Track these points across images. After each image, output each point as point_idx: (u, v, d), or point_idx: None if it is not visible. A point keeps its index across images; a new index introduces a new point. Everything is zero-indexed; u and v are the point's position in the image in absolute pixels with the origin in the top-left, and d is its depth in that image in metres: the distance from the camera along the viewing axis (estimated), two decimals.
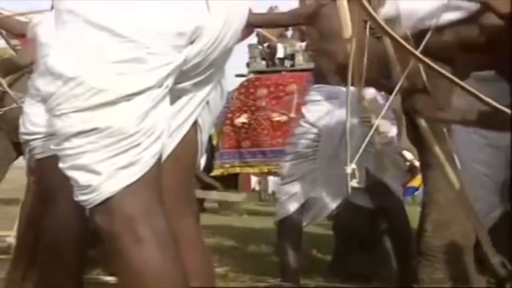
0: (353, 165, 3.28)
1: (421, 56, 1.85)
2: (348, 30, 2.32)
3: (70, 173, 1.35)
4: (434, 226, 3.20)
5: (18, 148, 5.48)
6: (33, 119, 2.03)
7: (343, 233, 4.12)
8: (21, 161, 5.18)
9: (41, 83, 1.36)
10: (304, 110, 3.65)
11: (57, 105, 1.33)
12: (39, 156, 2.02)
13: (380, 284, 3.76)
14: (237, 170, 8.40)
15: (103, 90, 1.31)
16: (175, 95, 1.45)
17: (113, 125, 1.32)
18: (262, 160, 8.25)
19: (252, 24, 3.38)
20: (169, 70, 1.37)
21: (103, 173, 1.33)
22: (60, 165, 1.37)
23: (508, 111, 1.82)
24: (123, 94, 1.32)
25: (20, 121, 2.14)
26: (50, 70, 1.33)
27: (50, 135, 1.99)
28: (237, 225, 6.87)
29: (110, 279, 3.27)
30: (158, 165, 1.38)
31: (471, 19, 1.95)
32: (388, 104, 2.44)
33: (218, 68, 1.55)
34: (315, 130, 3.52)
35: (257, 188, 14.88)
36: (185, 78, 1.46)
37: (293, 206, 3.54)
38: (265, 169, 8.32)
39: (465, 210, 2.14)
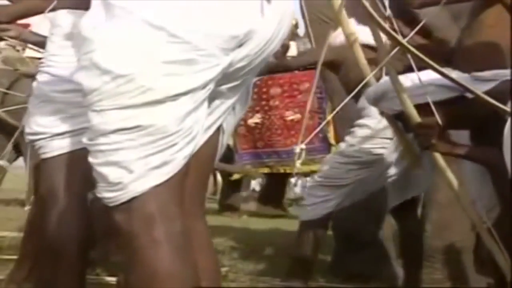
0: (302, 146, 3.26)
1: (410, 47, 1.86)
2: (347, 28, 2.34)
3: (100, 169, 1.34)
4: (434, 227, 3.21)
5: (18, 148, 5.49)
6: (38, 119, 2.03)
7: (343, 233, 4.12)
8: (21, 161, 5.18)
9: (83, 77, 1.34)
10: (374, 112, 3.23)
11: (98, 100, 1.32)
12: (44, 156, 2.02)
13: (380, 284, 3.76)
14: (259, 171, 8.34)
15: (151, 89, 1.30)
16: (210, 96, 1.44)
17: (156, 124, 1.31)
18: (277, 161, 8.20)
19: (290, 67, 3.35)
20: (216, 72, 1.36)
21: (135, 171, 1.32)
22: (91, 160, 1.36)
23: (508, 109, 1.83)
24: (169, 94, 1.31)
25: (25, 121, 2.14)
26: (97, 65, 1.31)
27: (56, 135, 2.00)
28: (237, 226, 6.87)
29: (111, 279, 3.27)
30: (186, 166, 1.38)
31: None
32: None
33: (254, 73, 1.53)
34: (387, 134, 3.16)
35: (257, 188, 14.86)
36: (225, 81, 1.44)
37: (324, 211, 3.33)
38: (281, 170, 8.28)
39: (466, 211, 2.15)
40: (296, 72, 8.70)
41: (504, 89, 2.09)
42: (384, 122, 2.99)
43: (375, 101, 2.52)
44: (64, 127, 1.98)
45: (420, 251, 3.26)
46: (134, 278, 1.35)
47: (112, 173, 1.33)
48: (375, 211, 3.71)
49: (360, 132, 3.27)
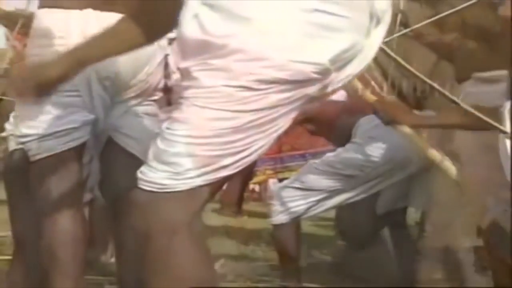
0: None
1: (389, 51, 1.86)
2: None
3: (173, 159, 1.34)
4: (434, 227, 3.19)
5: None
6: (27, 121, 2.02)
7: (343, 234, 4.12)
8: None
9: (202, 73, 1.33)
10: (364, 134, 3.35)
11: (209, 97, 1.33)
12: (34, 158, 2.01)
13: (381, 284, 3.75)
14: (280, 175, 8.27)
15: (258, 100, 1.33)
16: None
17: (247, 123, 1.33)
18: (301, 164, 8.11)
19: None
20: (314, 90, 1.38)
21: (207, 166, 1.33)
22: (163, 147, 1.36)
23: (508, 131, 1.82)
24: (269, 106, 1.34)
25: (14, 124, 2.13)
26: (227, 69, 1.32)
27: (44, 136, 1.99)
28: (237, 225, 6.86)
29: (107, 279, 3.26)
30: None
31: None
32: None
33: None
34: (374, 153, 3.26)
35: (257, 189, 14.81)
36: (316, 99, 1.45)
37: (293, 214, 3.39)
38: None
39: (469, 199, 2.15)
40: None
41: None
42: (373, 150, 3.15)
43: None
44: (52, 128, 1.98)
45: (413, 252, 3.30)
46: (155, 279, 1.35)
47: (186, 164, 1.33)
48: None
49: (350, 146, 3.33)
